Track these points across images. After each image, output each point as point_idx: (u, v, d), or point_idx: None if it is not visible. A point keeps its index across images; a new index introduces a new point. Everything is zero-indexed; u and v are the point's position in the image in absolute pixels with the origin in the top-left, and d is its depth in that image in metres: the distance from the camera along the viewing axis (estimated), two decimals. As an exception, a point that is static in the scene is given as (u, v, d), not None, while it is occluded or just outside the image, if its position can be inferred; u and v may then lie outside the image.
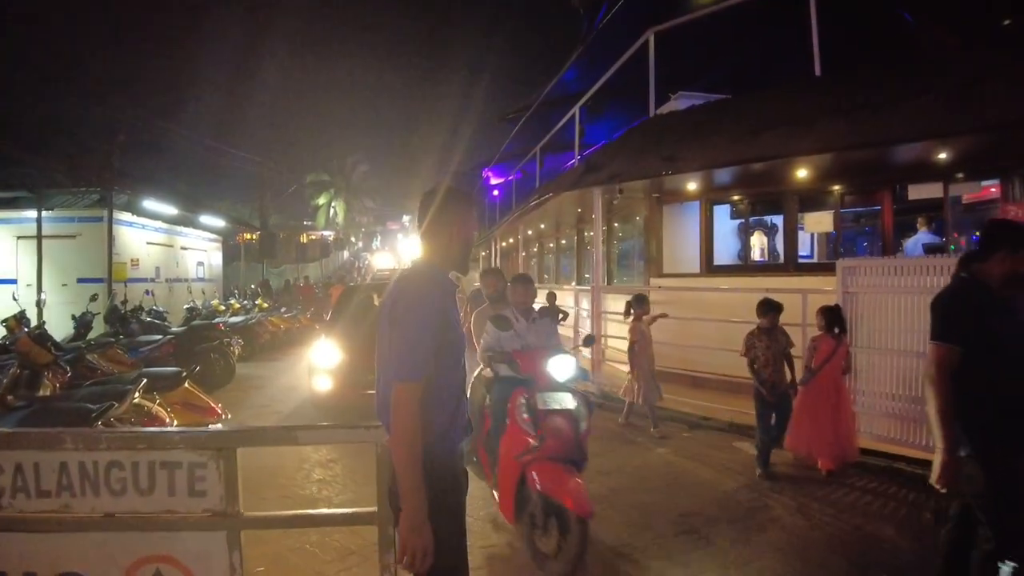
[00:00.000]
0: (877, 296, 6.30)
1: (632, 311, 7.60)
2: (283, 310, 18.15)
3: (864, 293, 6.40)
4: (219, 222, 19.78)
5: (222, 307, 16.87)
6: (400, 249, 66.39)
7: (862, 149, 7.37)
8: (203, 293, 17.47)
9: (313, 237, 63.43)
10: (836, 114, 7.56)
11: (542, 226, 17.24)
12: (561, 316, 10.94)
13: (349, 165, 61.89)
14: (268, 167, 31.83)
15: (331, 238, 63.78)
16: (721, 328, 8.04)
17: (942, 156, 7.39)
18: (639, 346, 7.42)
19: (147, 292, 13.76)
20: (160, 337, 10.55)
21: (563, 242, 17.81)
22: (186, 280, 18.38)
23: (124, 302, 11.88)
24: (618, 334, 10.80)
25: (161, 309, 13.18)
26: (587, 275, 14.89)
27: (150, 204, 15.63)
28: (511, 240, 19.52)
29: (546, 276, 19.39)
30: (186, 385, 6.20)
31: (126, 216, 14.91)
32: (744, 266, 9.81)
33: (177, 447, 2.48)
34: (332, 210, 62.22)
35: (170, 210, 16.54)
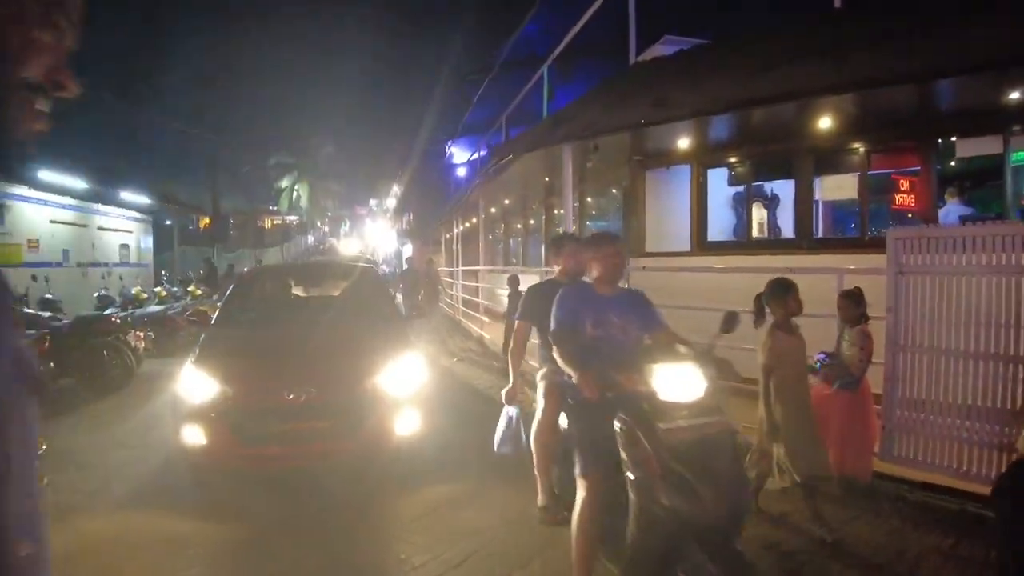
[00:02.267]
0: (937, 278, 4.62)
1: (768, 309, 4.20)
2: (215, 298, 16.12)
3: (921, 274, 4.71)
4: (143, 199, 17.46)
5: (144, 295, 14.86)
6: (368, 234, 64.57)
7: (899, 84, 5.66)
8: (120, 279, 15.39)
9: (277, 221, 61.30)
10: (865, 47, 5.87)
11: (506, 202, 15.39)
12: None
13: (313, 147, 59.61)
14: (221, 145, 29.59)
15: (295, 222, 61.62)
16: (716, 318, 6.40)
17: (1012, 97, 5.68)
18: (781, 374, 4.03)
19: (34, 277, 11.64)
20: (33, 332, 8.59)
21: (531, 222, 16.00)
22: (106, 264, 16.23)
23: (-2, 289, 9.83)
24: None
25: (53, 297, 11.13)
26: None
27: (51, 176, 13.40)
28: (474, 220, 17.63)
29: (514, 260, 17.67)
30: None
31: (20, 190, 12.72)
32: (744, 243, 8.08)
33: None
34: (296, 193, 59.97)
35: (78, 183, 14.32)
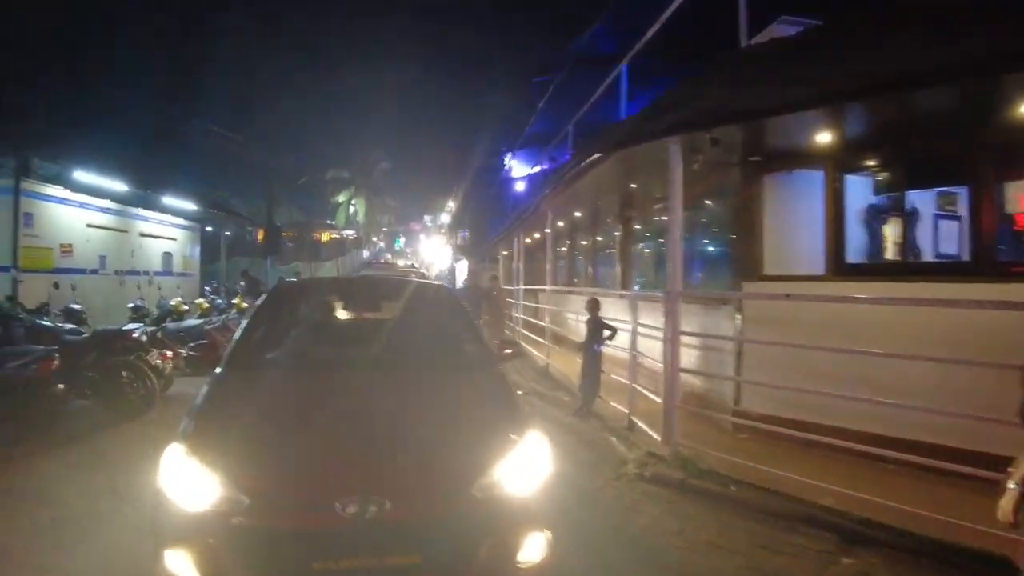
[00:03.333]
0: None
1: None
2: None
3: None
4: (189, 205, 16.54)
5: (184, 307, 13.90)
6: (422, 250, 64.26)
7: None
8: (159, 289, 14.49)
9: (334, 236, 61.76)
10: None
11: (576, 215, 13.93)
12: (608, 333, 7.72)
13: (370, 162, 60.04)
14: (277, 156, 29.02)
15: (351, 237, 61.98)
16: (863, 361, 4.99)
17: None
18: None
19: (56, 285, 10.67)
20: (41, 349, 7.53)
21: (599, 239, 14.52)
22: (146, 273, 15.37)
23: (11, 297, 8.82)
24: (707, 370, 7.43)
25: (78, 307, 10.12)
26: (638, 279, 11.83)
27: (88, 177, 12.46)
28: (537, 235, 16.23)
29: (575, 280, 16.25)
30: None
31: (53, 190, 11.82)
32: (900, 265, 6.38)
33: None
34: (352, 208, 60.33)
35: (118, 186, 13.40)
